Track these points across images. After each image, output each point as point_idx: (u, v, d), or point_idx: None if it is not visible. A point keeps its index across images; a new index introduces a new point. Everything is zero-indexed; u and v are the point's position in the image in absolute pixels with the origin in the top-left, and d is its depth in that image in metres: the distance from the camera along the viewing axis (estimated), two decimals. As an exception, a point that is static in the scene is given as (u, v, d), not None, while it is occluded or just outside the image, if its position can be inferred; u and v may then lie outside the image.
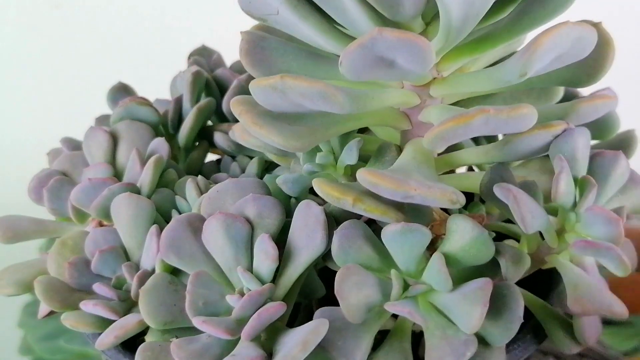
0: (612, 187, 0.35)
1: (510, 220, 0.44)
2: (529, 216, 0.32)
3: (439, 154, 0.38)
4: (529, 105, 0.31)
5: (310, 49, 0.37)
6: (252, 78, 0.37)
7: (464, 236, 0.33)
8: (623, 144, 0.45)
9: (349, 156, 0.36)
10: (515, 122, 0.31)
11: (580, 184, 0.34)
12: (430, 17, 0.33)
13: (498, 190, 0.33)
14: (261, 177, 0.44)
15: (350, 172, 0.38)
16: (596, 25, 0.33)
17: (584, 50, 0.32)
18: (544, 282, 0.42)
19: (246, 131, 0.38)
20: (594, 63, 0.34)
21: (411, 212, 0.35)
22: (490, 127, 0.31)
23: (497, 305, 0.33)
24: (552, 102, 0.40)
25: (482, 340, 0.33)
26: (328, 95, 0.31)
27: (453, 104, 0.38)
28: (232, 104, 0.35)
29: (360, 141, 0.36)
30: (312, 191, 0.37)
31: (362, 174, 0.31)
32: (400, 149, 0.37)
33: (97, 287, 0.41)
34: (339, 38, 0.34)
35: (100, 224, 0.46)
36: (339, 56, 0.30)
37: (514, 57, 0.31)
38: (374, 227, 0.36)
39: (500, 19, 0.34)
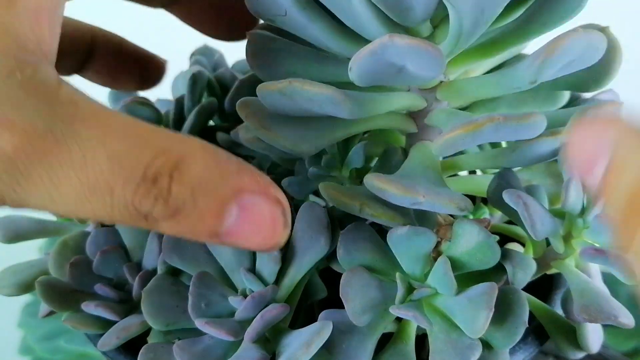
0: (619, 194, 0.35)
1: (511, 222, 0.44)
2: (539, 223, 0.32)
3: (444, 157, 0.38)
4: (539, 113, 0.30)
5: (317, 51, 0.37)
6: (255, 78, 0.37)
7: (470, 240, 0.33)
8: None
9: (356, 159, 0.36)
10: (525, 130, 0.30)
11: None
12: (439, 20, 0.33)
13: (507, 197, 0.32)
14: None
15: (356, 175, 0.38)
16: (603, 30, 0.33)
17: (593, 57, 0.31)
18: (544, 284, 0.42)
19: (250, 133, 0.38)
20: (600, 68, 0.34)
21: (417, 216, 0.35)
22: (499, 135, 0.31)
23: (501, 310, 0.33)
24: (557, 106, 0.40)
25: (486, 344, 0.33)
26: (336, 100, 0.31)
27: (459, 107, 0.38)
28: (238, 106, 0.35)
29: (367, 144, 0.36)
30: (313, 192, 0.37)
31: (370, 180, 0.31)
32: (405, 152, 0.37)
33: (99, 288, 0.41)
34: (348, 40, 0.34)
35: (102, 224, 0.45)
36: (347, 58, 0.30)
37: (524, 63, 0.31)
38: (377, 228, 0.36)
39: (508, 22, 0.34)
